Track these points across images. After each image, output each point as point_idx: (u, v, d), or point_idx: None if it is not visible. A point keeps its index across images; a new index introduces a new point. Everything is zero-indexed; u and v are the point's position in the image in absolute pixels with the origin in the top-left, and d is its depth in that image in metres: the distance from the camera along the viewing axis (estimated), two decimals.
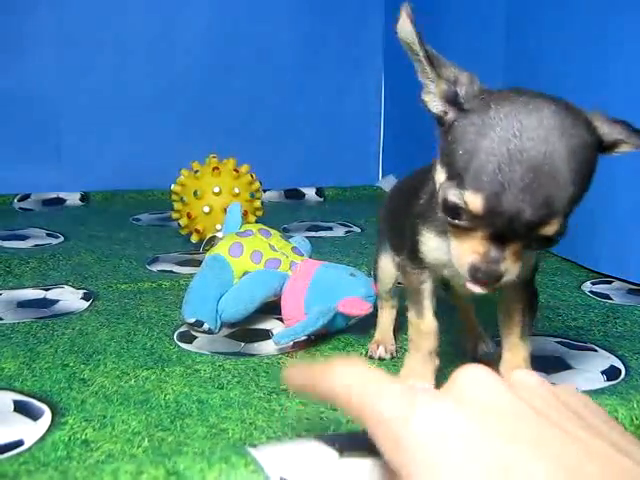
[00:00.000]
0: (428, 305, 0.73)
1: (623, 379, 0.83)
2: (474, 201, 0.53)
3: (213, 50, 2.00)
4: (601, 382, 0.82)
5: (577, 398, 0.46)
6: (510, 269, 0.56)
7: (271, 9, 2.03)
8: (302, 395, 0.48)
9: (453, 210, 0.55)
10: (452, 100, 0.59)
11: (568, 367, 0.87)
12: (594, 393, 0.78)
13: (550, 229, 0.54)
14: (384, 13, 2.11)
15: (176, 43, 1.98)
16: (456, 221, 0.56)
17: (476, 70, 0.62)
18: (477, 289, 0.57)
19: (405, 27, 0.63)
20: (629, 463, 0.39)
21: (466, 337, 0.92)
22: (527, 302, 0.71)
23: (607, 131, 0.57)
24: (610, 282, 1.23)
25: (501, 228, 0.54)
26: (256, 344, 0.94)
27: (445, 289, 0.84)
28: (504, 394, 0.42)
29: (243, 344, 0.94)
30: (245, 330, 0.99)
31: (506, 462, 0.37)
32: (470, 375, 0.43)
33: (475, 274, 0.56)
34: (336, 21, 2.10)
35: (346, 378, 0.45)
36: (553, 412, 0.42)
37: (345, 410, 0.45)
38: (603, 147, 0.57)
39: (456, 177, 0.55)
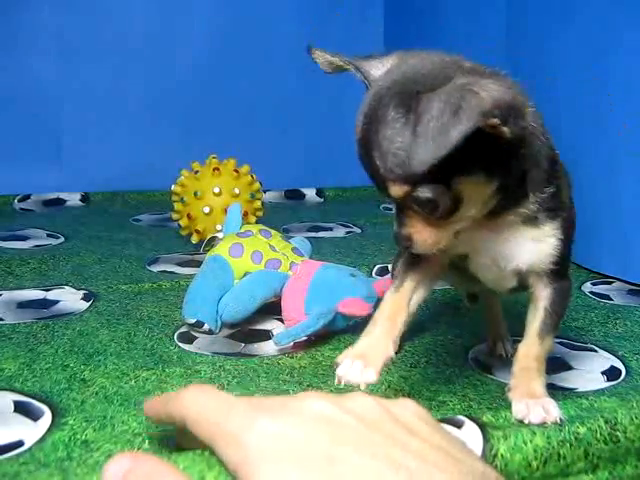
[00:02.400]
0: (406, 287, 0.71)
1: (623, 379, 0.83)
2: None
3: (213, 51, 2.00)
4: (601, 382, 0.82)
5: (409, 411, 0.51)
6: (421, 234, 0.60)
7: (271, 10, 2.04)
8: (160, 423, 0.53)
9: None
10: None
11: (569, 367, 0.87)
12: (594, 394, 0.78)
13: (393, 192, 0.58)
14: (384, 13, 2.11)
15: (176, 44, 1.98)
16: None
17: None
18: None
19: (326, 59, 0.71)
20: (441, 456, 0.45)
21: (490, 335, 0.91)
22: (551, 300, 0.69)
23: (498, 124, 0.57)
24: (610, 283, 1.23)
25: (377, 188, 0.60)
26: (256, 345, 0.94)
27: (472, 300, 0.85)
28: (336, 408, 0.48)
29: (243, 345, 0.94)
30: (245, 331, 0.99)
31: (332, 456, 0.43)
32: (309, 395, 0.50)
33: (395, 240, 0.63)
34: (336, 21, 2.09)
35: (195, 404, 0.51)
36: (381, 422, 0.48)
37: (195, 432, 0.50)
38: None
39: None
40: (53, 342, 0.93)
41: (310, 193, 2.06)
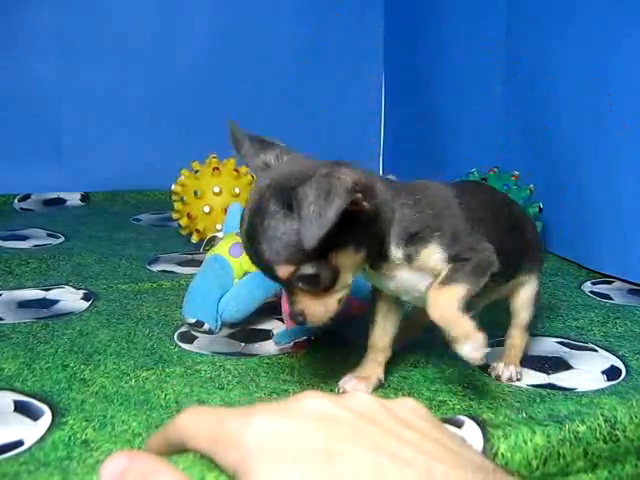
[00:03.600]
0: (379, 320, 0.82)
1: (623, 379, 0.83)
2: None
3: (213, 51, 2.00)
4: (601, 382, 0.82)
5: (407, 408, 0.51)
6: (310, 308, 0.68)
7: (271, 10, 2.03)
8: (163, 454, 0.54)
9: None
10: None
11: (568, 367, 0.87)
12: (594, 393, 0.78)
13: (280, 274, 0.66)
14: (384, 13, 2.11)
15: (176, 44, 1.98)
16: None
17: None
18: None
19: (236, 140, 0.77)
20: (438, 448, 0.46)
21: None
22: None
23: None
24: (611, 282, 1.23)
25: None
26: (257, 344, 0.94)
27: None
28: (335, 406, 0.48)
29: (243, 344, 0.94)
30: (245, 330, 0.99)
31: (330, 451, 0.44)
32: (307, 394, 0.50)
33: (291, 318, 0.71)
34: (336, 21, 2.10)
35: (190, 421, 0.51)
36: (378, 417, 0.48)
37: (195, 447, 0.50)
38: None
39: None
40: (53, 342, 0.93)
41: None
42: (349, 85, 2.15)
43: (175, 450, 0.54)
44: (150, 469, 0.47)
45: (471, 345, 0.67)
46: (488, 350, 0.67)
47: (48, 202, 1.88)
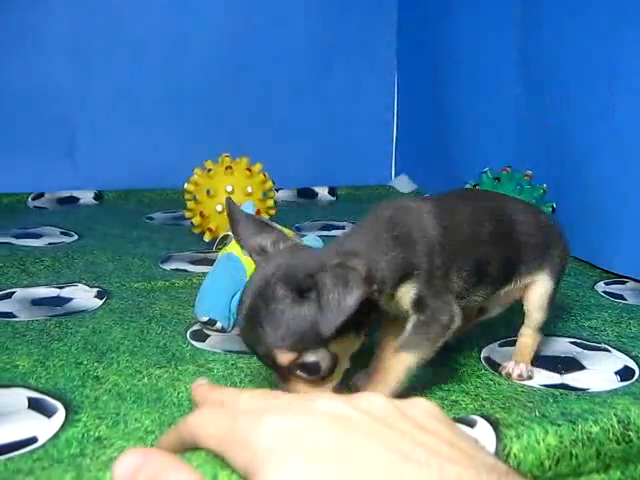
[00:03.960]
0: None
1: (637, 380, 0.83)
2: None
3: (226, 49, 2.00)
4: (615, 382, 0.82)
5: (420, 408, 0.51)
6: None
7: (285, 7, 2.04)
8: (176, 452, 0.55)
9: None
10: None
11: (581, 367, 0.87)
12: (607, 393, 0.78)
13: (280, 361, 0.64)
14: (397, 11, 2.11)
15: (190, 42, 1.98)
16: None
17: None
18: None
19: (232, 218, 0.74)
20: (451, 449, 0.46)
21: None
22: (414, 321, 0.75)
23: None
24: (624, 282, 1.23)
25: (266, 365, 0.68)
26: None
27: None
28: (347, 407, 0.49)
29: None
30: None
31: (341, 449, 0.44)
32: (319, 394, 0.52)
33: None
34: (350, 19, 2.09)
35: (202, 420, 0.52)
36: (390, 417, 0.48)
37: (207, 446, 0.51)
38: None
39: None
40: (66, 339, 0.93)
41: (322, 192, 2.06)
42: (362, 82, 2.14)
43: (187, 449, 0.54)
44: (163, 466, 0.48)
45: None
46: None
47: (62, 200, 1.89)
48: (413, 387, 0.79)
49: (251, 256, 0.71)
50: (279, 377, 0.68)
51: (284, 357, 0.64)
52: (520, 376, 0.83)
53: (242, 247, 0.73)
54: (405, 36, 2.10)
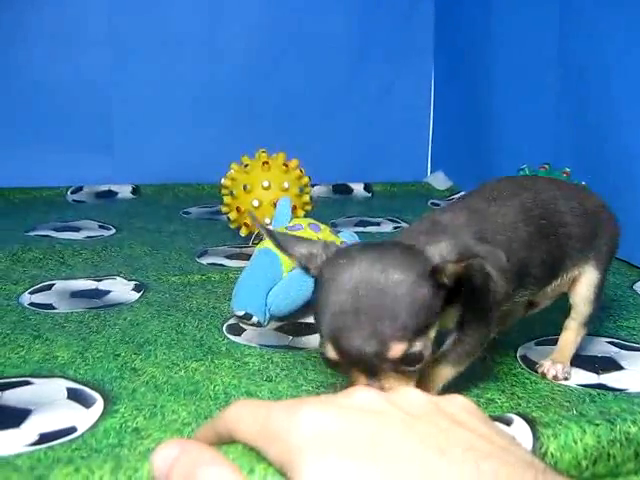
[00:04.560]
0: None
1: None
2: (327, 349, 0.60)
3: (263, 44, 2.01)
4: None
5: (457, 404, 0.50)
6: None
7: (322, 3, 2.04)
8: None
9: (326, 360, 0.62)
10: (306, 269, 0.66)
11: (619, 367, 0.86)
12: None
13: (393, 353, 0.59)
14: (434, 8, 2.10)
15: (227, 37, 1.99)
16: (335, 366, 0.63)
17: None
18: None
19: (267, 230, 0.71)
20: (487, 445, 0.45)
21: None
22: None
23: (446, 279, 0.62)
24: None
25: (357, 363, 0.60)
26: (304, 338, 0.95)
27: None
28: (384, 402, 0.48)
29: (291, 337, 0.95)
30: (293, 324, 0.99)
31: (376, 443, 0.43)
32: (357, 389, 0.50)
33: None
34: (386, 14, 2.09)
35: (238, 414, 0.51)
36: (426, 412, 0.48)
37: (242, 440, 0.51)
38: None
39: (319, 330, 0.62)
40: (105, 331, 0.95)
41: (358, 188, 2.06)
42: (398, 79, 2.14)
43: (223, 442, 0.54)
44: (200, 458, 0.48)
45: None
46: None
47: (100, 194, 1.92)
48: (447, 384, 0.79)
49: (300, 263, 0.66)
50: (365, 374, 0.61)
51: (398, 348, 0.59)
52: (555, 377, 0.82)
53: (289, 255, 0.67)
54: (442, 33, 2.09)
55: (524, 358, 0.88)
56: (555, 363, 0.83)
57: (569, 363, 0.84)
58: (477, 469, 0.43)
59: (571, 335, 0.85)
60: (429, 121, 2.19)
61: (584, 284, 0.83)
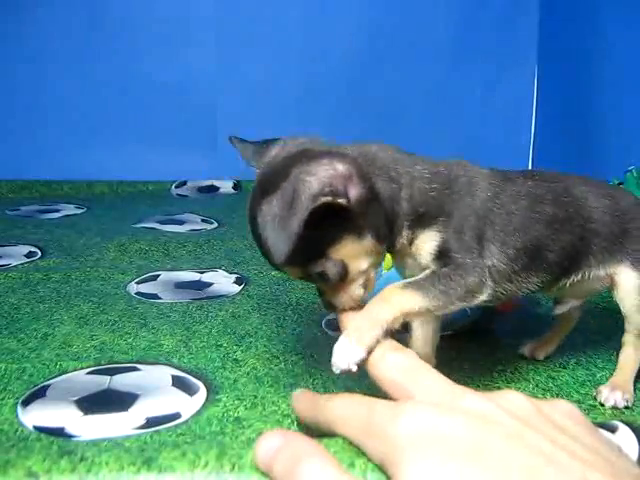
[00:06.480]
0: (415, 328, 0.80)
1: None
2: None
3: (365, 42, 2.02)
4: None
5: (561, 411, 0.50)
6: (337, 297, 0.67)
7: (425, 1, 2.03)
8: (303, 422, 0.55)
9: None
10: None
11: None
12: None
13: (293, 275, 0.67)
14: (539, 4, 2.06)
15: (329, 36, 2.01)
16: None
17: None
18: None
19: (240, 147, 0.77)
20: (592, 455, 0.45)
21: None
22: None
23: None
24: None
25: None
26: (402, 335, 0.94)
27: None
28: (491, 405, 0.48)
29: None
30: None
31: (480, 446, 0.44)
32: (466, 390, 0.51)
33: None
34: (490, 12, 2.06)
35: (341, 407, 0.53)
36: (531, 418, 0.48)
37: (342, 434, 0.52)
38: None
39: None
40: (207, 322, 0.97)
41: None
42: (501, 77, 2.11)
43: (316, 427, 0.55)
44: (303, 450, 0.49)
45: (337, 348, 0.63)
46: (354, 363, 0.61)
47: (202, 189, 1.96)
48: (548, 388, 0.78)
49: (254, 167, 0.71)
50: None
51: (290, 271, 0.66)
52: (615, 407, 0.74)
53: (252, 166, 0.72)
54: (547, 29, 2.04)
55: None
56: (614, 389, 0.75)
57: (631, 384, 0.77)
58: (584, 479, 0.42)
59: (629, 351, 0.79)
60: (531, 119, 2.15)
61: (625, 290, 0.77)
